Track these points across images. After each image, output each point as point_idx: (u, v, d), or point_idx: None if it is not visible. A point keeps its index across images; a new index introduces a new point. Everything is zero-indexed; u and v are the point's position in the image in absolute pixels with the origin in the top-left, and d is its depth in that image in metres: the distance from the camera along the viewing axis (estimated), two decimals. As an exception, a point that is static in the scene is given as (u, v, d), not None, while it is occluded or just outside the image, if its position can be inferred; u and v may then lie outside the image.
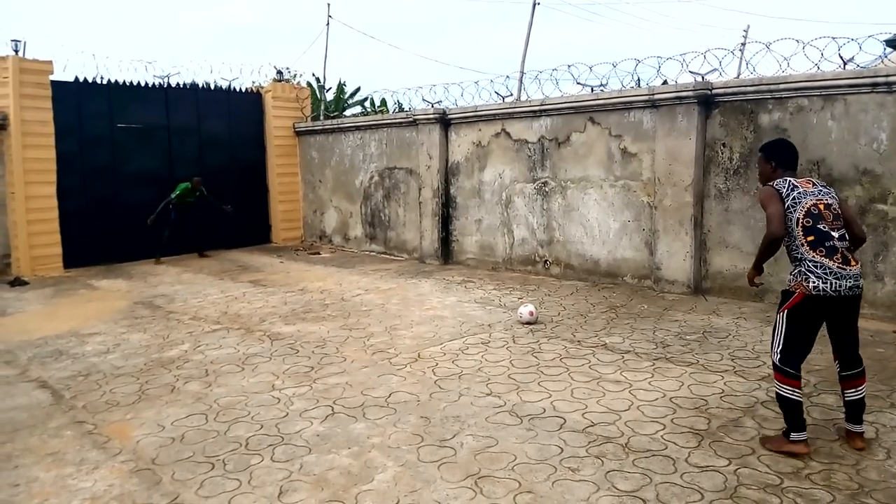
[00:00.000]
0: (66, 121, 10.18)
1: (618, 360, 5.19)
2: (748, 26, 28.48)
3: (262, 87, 13.01)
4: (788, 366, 3.48)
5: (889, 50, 7.35)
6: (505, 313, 6.84)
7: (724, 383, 4.60)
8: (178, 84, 11.78)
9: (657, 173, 7.63)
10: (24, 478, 3.48)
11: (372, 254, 11.59)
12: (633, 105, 7.85)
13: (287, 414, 4.26)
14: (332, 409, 4.31)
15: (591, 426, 3.93)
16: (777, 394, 3.55)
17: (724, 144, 7.20)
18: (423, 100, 10.65)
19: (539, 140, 8.90)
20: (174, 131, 11.63)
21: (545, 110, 8.75)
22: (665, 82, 7.93)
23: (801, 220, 3.47)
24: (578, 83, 8.56)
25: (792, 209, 3.50)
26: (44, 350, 5.93)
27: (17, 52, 9.74)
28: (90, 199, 10.57)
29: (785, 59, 6.77)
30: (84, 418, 4.29)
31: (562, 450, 3.62)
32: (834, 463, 3.39)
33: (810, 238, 3.44)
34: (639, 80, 8.18)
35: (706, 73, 7.38)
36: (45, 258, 10.03)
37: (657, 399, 4.34)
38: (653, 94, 7.56)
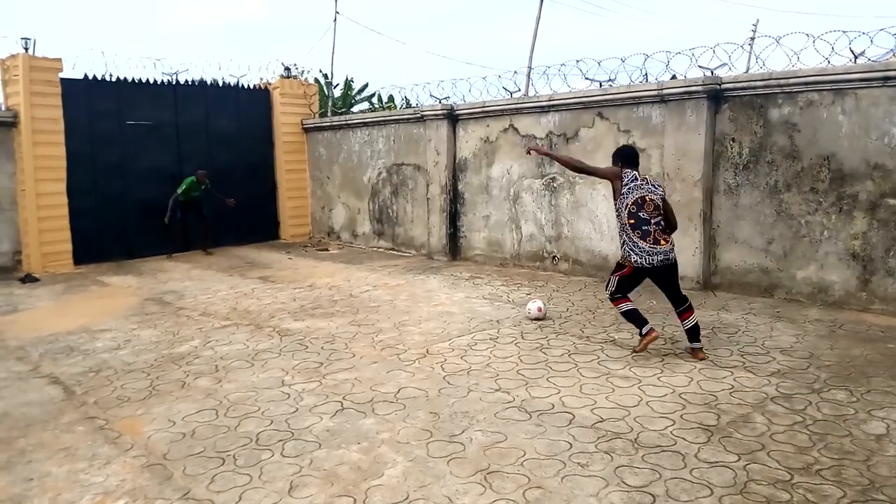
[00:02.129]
0: (76, 118, 10.24)
1: (626, 356, 5.18)
2: (757, 20, 28.30)
3: (270, 84, 13.04)
4: (619, 294, 5.10)
5: (900, 43, 7.26)
6: (513, 309, 6.84)
7: (734, 379, 4.59)
8: (186, 81, 11.82)
9: (666, 168, 7.60)
10: (37, 472, 3.52)
11: (380, 250, 11.60)
12: (641, 100, 7.82)
13: (297, 409, 4.28)
14: (342, 405, 4.33)
15: (600, 422, 3.93)
16: (620, 313, 5.18)
17: (733, 139, 7.16)
18: (431, 95, 10.63)
19: (547, 135, 8.87)
20: (183, 128, 11.67)
21: (553, 106, 8.73)
22: (674, 77, 7.89)
23: (628, 206, 4.88)
24: (587, 78, 8.53)
25: (626, 195, 4.88)
26: (55, 346, 5.98)
27: (27, 50, 9.79)
28: (100, 195, 10.63)
29: (795, 53, 6.73)
30: (95, 414, 4.33)
31: (571, 445, 3.63)
32: (844, 459, 3.38)
33: (631, 222, 4.86)
34: (647, 74, 8.14)
35: (715, 68, 7.33)
36: (55, 255, 10.11)
37: (666, 395, 4.34)
38: (661, 89, 7.53)
